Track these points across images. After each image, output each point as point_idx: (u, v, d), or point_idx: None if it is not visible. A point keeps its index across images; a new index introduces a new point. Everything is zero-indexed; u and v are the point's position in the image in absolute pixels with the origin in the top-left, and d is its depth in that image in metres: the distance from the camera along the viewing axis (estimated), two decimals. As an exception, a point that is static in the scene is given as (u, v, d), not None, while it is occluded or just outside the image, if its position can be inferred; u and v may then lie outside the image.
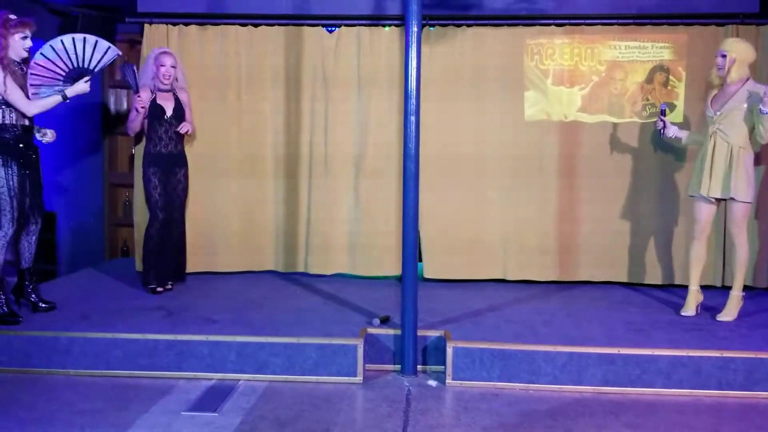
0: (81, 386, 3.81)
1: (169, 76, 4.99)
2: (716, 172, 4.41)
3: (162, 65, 4.96)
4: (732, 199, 4.39)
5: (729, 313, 4.53)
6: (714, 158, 4.42)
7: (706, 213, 4.57)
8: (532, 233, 5.60)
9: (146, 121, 5.02)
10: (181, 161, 5.16)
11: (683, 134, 4.75)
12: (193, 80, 5.63)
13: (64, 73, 4.30)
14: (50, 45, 4.28)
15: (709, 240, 4.74)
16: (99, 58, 4.36)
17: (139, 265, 5.46)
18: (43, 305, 4.51)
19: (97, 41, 4.36)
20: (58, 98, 4.27)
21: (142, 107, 4.89)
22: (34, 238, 4.46)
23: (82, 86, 4.32)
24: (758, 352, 3.83)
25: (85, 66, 4.34)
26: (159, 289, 5.04)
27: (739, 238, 4.45)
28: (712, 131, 4.45)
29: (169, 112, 5.01)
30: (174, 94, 5.08)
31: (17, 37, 4.18)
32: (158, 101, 4.99)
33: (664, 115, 4.72)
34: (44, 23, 5.51)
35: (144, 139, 5.13)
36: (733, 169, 4.36)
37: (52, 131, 4.49)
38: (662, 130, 4.74)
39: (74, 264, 6.28)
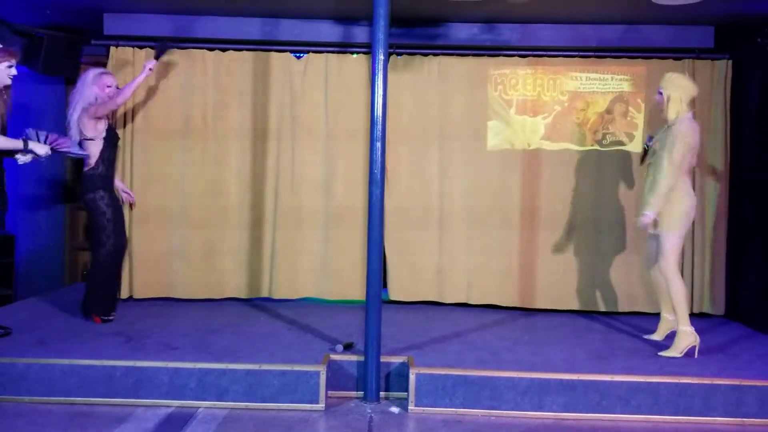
0: (36, 414, 3.71)
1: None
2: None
3: (109, 85, 4.87)
4: (662, 231, 4.37)
5: (675, 348, 4.38)
6: (646, 192, 4.44)
7: (648, 244, 4.65)
8: (496, 259, 5.66)
9: (102, 143, 4.83)
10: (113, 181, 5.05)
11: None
12: (159, 102, 5.63)
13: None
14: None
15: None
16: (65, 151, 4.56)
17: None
18: (-2, 330, 4.41)
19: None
20: (19, 144, 4.32)
21: (150, 69, 4.94)
22: None
23: (42, 149, 4.38)
24: (714, 379, 3.90)
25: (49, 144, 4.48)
26: (113, 317, 4.91)
27: (668, 272, 4.35)
28: (647, 164, 4.54)
29: (120, 135, 4.97)
30: None
31: (3, 66, 4.25)
32: (111, 124, 4.93)
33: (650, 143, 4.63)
34: (8, 44, 5.46)
35: (93, 162, 4.82)
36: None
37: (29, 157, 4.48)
38: (645, 157, 4.66)
39: (32, 288, 6.14)
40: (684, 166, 4.34)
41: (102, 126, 4.82)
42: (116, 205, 4.92)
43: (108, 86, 4.87)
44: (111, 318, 4.89)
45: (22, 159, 4.42)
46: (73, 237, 6.51)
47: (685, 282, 5.42)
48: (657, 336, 4.75)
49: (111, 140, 4.88)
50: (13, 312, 5.13)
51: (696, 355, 4.35)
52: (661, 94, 4.40)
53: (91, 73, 4.87)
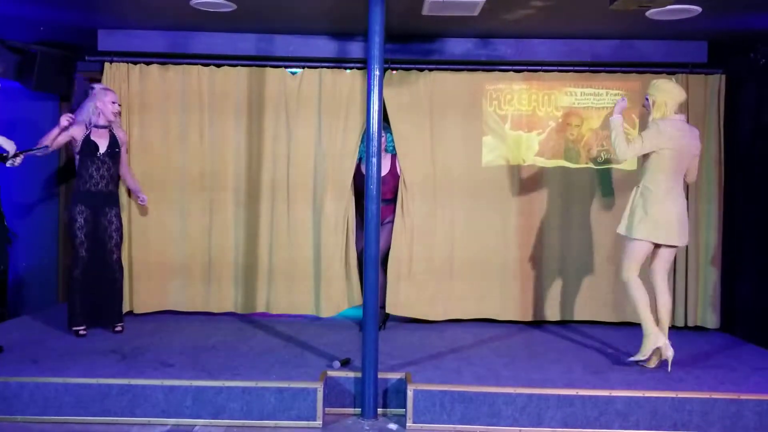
0: (29, 434, 3.67)
1: (117, 112, 5.01)
2: (626, 211, 4.44)
3: (113, 101, 4.98)
4: (624, 235, 4.37)
5: (640, 351, 4.35)
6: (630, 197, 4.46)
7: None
8: (493, 273, 5.66)
9: (78, 157, 4.91)
10: (112, 201, 5.00)
11: (618, 122, 4.40)
12: (154, 119, 5.62)
13: None
14: None
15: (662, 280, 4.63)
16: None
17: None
18: (-9, 349, 4.38)
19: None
20: None
21: (68, 120, 4.79)
22: None
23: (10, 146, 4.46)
24: (712, 393, 3.90)
25: None
26: (82, 332, 4.89)
27: (625, 274, 4.34)
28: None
29: (102, 149, 4.91)
30: (111, 131, 5.00)
31: None
32: (92, 137, 4.91)
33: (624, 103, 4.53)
34: (1, 60, 5.44)
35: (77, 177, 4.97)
36: (630, 206, 4.36)
37: (20, 157, 4.53)
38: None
39: (26, 305, 6.09)
40: (662, 165, 4.27)
41: (78, 140, 4.90)
42: (98, 224, 4.94)
43: (113, 101, 4.97)
44: (81, 332, 4.89)
45: (10, 162, 4.46)
46: (67, 254, 6.45)
47: (678, 295, 5.50)
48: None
49: (84, 153, 4.89)
50: (6, 330, 5.08)
51: (669, 369, 4.31)
52: (647, 99, 4.40)
53: (96, 88, 5.02)
